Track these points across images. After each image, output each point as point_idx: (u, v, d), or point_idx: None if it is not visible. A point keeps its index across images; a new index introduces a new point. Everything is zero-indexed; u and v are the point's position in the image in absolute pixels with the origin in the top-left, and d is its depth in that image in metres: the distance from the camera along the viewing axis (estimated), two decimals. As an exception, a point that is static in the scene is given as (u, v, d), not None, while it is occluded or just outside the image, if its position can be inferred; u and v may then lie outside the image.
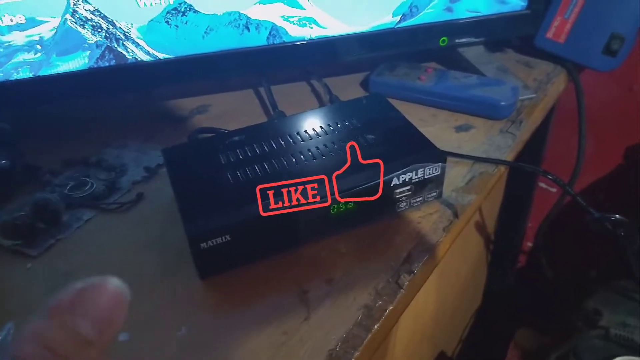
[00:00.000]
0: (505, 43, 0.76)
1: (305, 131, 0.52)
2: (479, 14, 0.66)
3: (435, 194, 0.50)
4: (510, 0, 0.67)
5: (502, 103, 0.62)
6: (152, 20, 0.59)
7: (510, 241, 1.05)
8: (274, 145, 0.50)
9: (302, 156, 0.48)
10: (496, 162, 0.56)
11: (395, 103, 0.57)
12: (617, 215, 0.56)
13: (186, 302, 0.43)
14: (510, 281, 1.11)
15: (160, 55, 0.61)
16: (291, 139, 0.51)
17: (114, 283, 0.20)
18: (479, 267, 1.01)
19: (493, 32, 0.69)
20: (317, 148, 0.49)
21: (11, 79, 0.59)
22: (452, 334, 0.97)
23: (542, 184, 1.01)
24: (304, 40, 0.63)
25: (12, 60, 0.58)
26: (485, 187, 0.54)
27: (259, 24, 0.62)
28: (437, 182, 0.49)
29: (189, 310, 0.42)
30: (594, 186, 0.96)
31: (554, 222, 0.78)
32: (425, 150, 0.48)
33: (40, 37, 0.57)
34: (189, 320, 0.41)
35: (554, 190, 1.00)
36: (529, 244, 1.10)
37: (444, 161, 0.48)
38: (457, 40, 0.68)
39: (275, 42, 0.63)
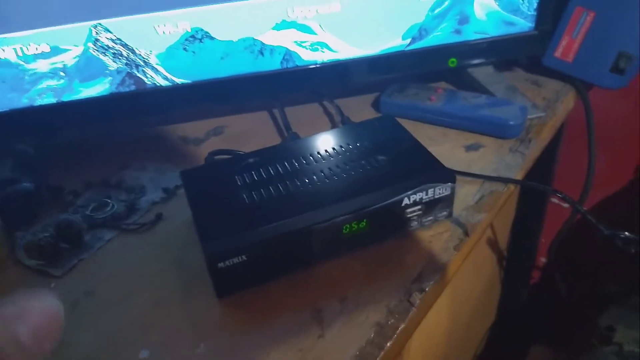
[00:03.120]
0: (514, 62, 0.78)
1: (318, 152, 0.53)
2: (487, 36, 0.68)
3: (445, 213, 0.51)
4: (518, 22, 0.68)
5: (511, 123, 0.63)
6: (170, 47, 0.61)
7: (523, 257, 1.05)
8: (288, 167, 0.52)
9: (315, 177, 0.50)
10: (506, 181, 0.57)
11: (405, 123, 0.58)
12: (627, 233, 0.57)
13: (204, 320, 0.44)
14: (524, 297, 1.11)
15: (178, 80, 0.63)
16: (304, 160, 0.52)
17: (52, 300, 0.22)
18: (492, 283, 1.01)
19: (501, 52, 0.70)
20: (330, 169, 0.51)
21: (36, 104, 0.61)
22: (465, 351, 0.97)
23: (554, 200, 1.01)
24: (316, 64, 0.65)
25: (37, 87, 0.61)
26: (496, 205, 0.55)
27: (272, 49, 0.64)
28: (447, 201, 0.51)
29: (207, 328, 0.44)
30: (604, 203, 0.96)
31: (567, 238, 0.79)
32: (435, 171, 0.50)
33: (63, 64, 0.60)
34: (207, 338, 0.43)
35: (566, 205, 1.00)
36: (543, 260, 1.10)
37: (454, 181, 0.49)
38: (466, 62, 0.70)
39: (288, 66, 0.65)
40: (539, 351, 0.89)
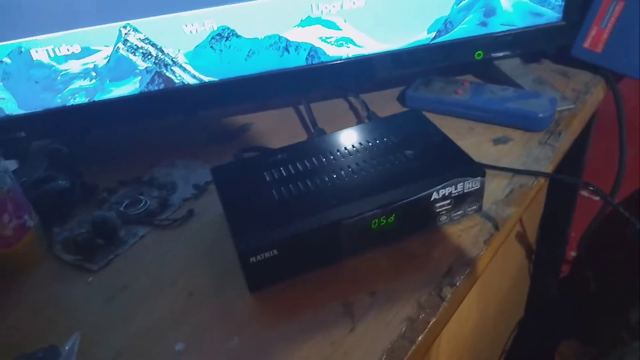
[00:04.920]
0: (541, 54, 0.76)
1: (345, 148, 0.53)
2: (514, 27, 0.67)
3: (475, 207, 0.51)
4: (545, 12, 0.67)
5: (540, 115, 0.62)
6: (197, 45, 0.62)
7: (552, 251, 1.04)
8: (316, 163, 0.52)
9: (342, 172, 0.50)
10: (536, 174, 0.56)
11: (431, 117, 0.58)
12: (660, 226, 0.56)
13: (237, 314, 0.45)
14: (553, 291, 1.09)
15: (206, 79, 0.64)
16: (332, 156, 0.53)
17: None
18: (521, 277, 1.00)
19: (529, 44, 0.69)
20: (358, 164, 0.51)
21: (69, 104, 0.63)
22: (494, 345, 0.96)
23: (585, 193, 1.00)
24: (341, 59, 0.66)
25: (70, 87, 0.62)
26: (525, 199, 0.55)
27: (298, 46, 0.64)
28: (476, 195, 0.50)
29: (240, 321, 0.44)
30: (636, 196, 0.94)
31: (598, 232, 0.78)
32: (464, 165, 0.50)
33: (94, 64, 0.61)
34: (240, 331, 0.43)
35: (597, 199, 0.98)
36: (573, 254, 1.08)
37: (483, 175, 0.49)
38: (492, 54, 0.69)
39: (313, 63, 0.65)
40: (569, 345, 0.88)
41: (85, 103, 0.63)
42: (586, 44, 0.70)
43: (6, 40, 0.58)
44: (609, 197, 0.59)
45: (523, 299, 1.06)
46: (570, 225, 1.02)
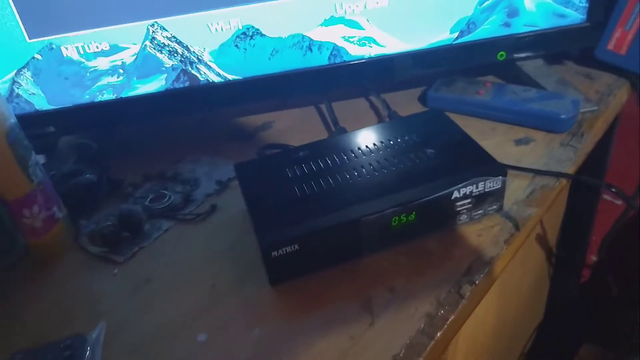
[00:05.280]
0: (565, 55, 0.76)
1: (367, 146, 0.54)
2: (537, 29, 0.67)
3: (496, 207, 0.51)
4: (569, 14, 0.67)
5: (563, 116, 0.62)
6: (222, 44, 0.63)
7: (573, 255, 1.03)
8: (337, 160, 0.53)
9: (363, 170, 0.51)
10: (557, 175, 0.56)
11: (453, 117, 0.58)
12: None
13: (258, 307, 0.46)
14: (574, 295, 1.08)
15: (230, 77, 0.65)
16: (353, 153, 0.53)
17: None
18: (541, 280, 1.00)
19: (552, 45, 0.69)
20: (378, 162, 0.51)
21: (97, 100, 0.64)
22: (513, 347, 0.95)
23: (607, 196, 0.99)
24: (364, 59, 0.66)
25: (98, 84, 0.64)
26: (547, 200, 0.55)
27: (321, 45, 0.65)
28: (497, 195, 0.51)
29: (261, 313, 0.45)
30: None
31: (620, 236, 0.77)
32: (485, 164, 0.50)
33: (122, 62, 0.63)
34: (262, 323, 0.44)
35: (620, 202, 0.97)
36: (594, 258, 1.07)
37: (505, 175, 0.49)
38: (515, 55, 0.69)
39: (336, 62, 0.66)
40: (588, 350, 0.87)
41: (113, 99, 0.65)
42: (610, 46, 0.70)
43: (39, 37, 0.60)
44: (631, 199, 0.58)
45: (543, 302, 1.05)
46: (591, 228, 1.01)
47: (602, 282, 0.87)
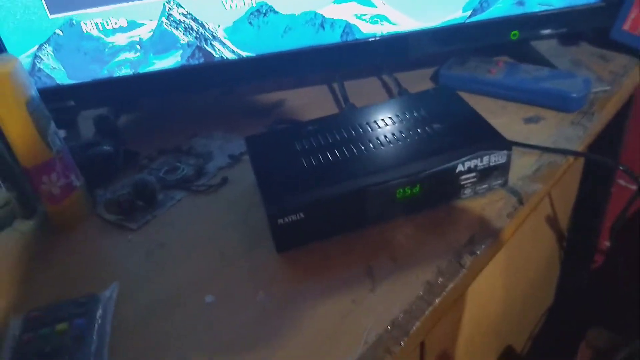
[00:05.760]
0: (580, 35, 0.75)
1: (375, 121, 0.55)
2: (551, 8, 0.67)
3: (500, 181, 0.52)
4: (585, -7, 0.66)
5: (573, 95, 0.62)
6: (236, 21, 0.64)
7: (585, 239, 1.02)
8: (345, 135, 0.54)
9: (371, 144, 0.52)
10: (564, 152, 0.56)
11: (465, 96, 0.59)
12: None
13: (264, 272, 0.48)
14: (584, 280, 1.08)
15: (244, 54, 0.66)
16: (361, 128, 0.54)
17: None
18: (552, 264, 1.00)
19: (566, 25, 0.69)
20: (386, 137, 0.52)
21: (115, 75, 0.66)
22: (521, 329, 0.96)
23: (621, 181, 0.98)
24: (376, 37, 0.67)
25: (116, 59, 0.66)
26: (553, 176, 0.55)
27: (333, 23, 0.66)
28: (502, 170, 0.51)
29: (267, 278, 0.47)
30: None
31: (631, 220, 0.77)
32: (490, 138, 0.50)
33: (139, 38, 0.64)
34: (267, 287, 0.46)
35: (634, 187, 0.96)
36: (607, 244, 1.06)
37: (510, 149, 0.50)
38: (528, 34, 0.69)
39: (348, 40, 0.67)
40: (597, 334, 0.87)
41: (130, 75, 0.66)
42: (626, 26, 0.69)
43: (60, 13, 0.62)
44: (640, 178, 0.58)
45: (552, 286, 1.05)
46: (604, 213, 1.00)
47: (614, 267, 0.87)
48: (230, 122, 0.71)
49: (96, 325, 0.43)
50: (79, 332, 0.42)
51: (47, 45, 0.64)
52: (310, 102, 0.73)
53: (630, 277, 0.85)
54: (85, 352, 0.41)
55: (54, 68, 0.65)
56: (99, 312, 0.44)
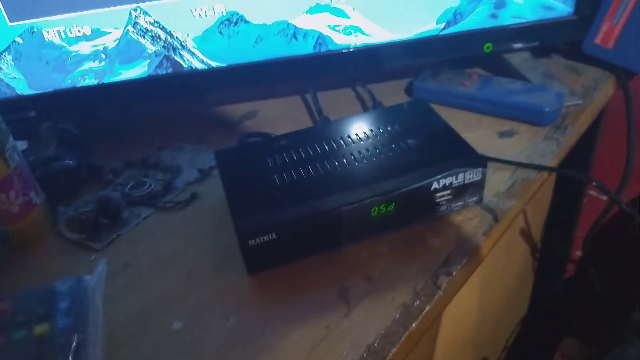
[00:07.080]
0: (552, 48, 0.76)
1: (349, 136, 0.54)
2: (524, 21, 0.67)
3: (475, 198, 0.51)
4: (557, 6, 0.66)
5: (547, 109, 0.62)
6: (206, 30, 0.62)
7: (557, 250, 1.03)
8: (319, 149, 0.52)
9: (345, 160, 0.50)
10: (538, 168, 0.56)
11: (439, 109, 0.58)
12: (665, 224, 0.55)
13: (235, 295, 0.46)
14: (557, 290, 1.09)
15: (214, 64, 0.64)
16: (335, 143, 0.53)
17: None
18: (525, 275, 1.00)
19: (539, 38, 0.69)
20: (360, 152, 0.51)
21: (78, 85, 0.64)
22: (496, 340, 0.96)
23: (593, 192, 0.99)
24: (349, 48, 0.66)
25: (80, 68, 0.63)
26: (527, 192, 0.55)
27: (306, 33, 0.64)
28: (477, 186, 0.50)
29: (237, 302, 0.45)
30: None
31: (603, 231, 0.77)
32: (465, 155, 0.50)
33: (104, 46, 0.62)
34: (237, 311, 0.44)
35: (605, 198, 0.98)
36: (579, 253, 1.07)
37: (485, 166, 0.49)
38: (502, 47, 0.69)
39: (321, 50, 0.65)
40: (570, 343, 0.88)
41: (95, 85, 0.64)
42: (597, 40, 0.69)
43: (19, 21, 0.59)
44: (614, 194, 0.58)
45: (526, 297, 1.05)
46: (576, 224, 1.01)
47: (587, 277, 0.88)
48: (199, 133, 0.68)
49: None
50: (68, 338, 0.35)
51: (6, 54, 0.61)
52: (283, 114, 0.71)
53: (603, 286, 0.86)
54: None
55: (14, 77, 0.62)
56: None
